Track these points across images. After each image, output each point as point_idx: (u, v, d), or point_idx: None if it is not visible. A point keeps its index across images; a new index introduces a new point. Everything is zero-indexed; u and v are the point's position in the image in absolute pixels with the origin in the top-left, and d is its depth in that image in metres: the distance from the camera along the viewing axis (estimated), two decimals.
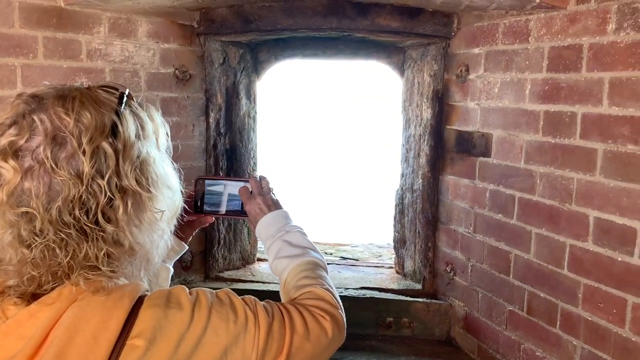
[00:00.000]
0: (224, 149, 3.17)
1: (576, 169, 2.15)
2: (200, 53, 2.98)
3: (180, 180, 1.19)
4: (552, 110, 2.24)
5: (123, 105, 1.01)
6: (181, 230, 1.52)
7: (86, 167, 0.91)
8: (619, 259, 1.99)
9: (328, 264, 3.56)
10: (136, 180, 0.99)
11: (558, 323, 2.27)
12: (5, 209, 0.90)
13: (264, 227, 1.42)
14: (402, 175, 3.27)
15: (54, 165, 0.90)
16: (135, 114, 1.04)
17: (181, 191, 1.20)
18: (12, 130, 0.91)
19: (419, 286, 3.11)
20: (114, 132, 0.96)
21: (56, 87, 1.01)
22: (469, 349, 2.83)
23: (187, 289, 1.02)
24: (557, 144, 2.23)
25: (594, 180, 2.07)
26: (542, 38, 2.27)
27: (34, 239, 0.91)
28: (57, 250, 0.92)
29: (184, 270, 3.07)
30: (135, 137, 1.01)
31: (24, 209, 0.90)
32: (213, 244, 3.19)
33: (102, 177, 0.93)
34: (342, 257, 3.88)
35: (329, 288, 1.25)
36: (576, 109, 2.13)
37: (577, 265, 2.16)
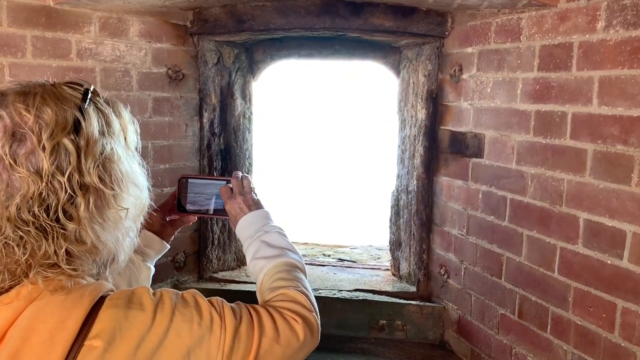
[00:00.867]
0: (218, 149, 3.16)
1: (566, 169, 2.10)
2: (194, 53, 2.98)
3: (149, 178, 1.17)
4: (543, 110, 2.20)
5: (87, 101, 1.00)
6: (163, 229, 1.51)
7: (46, 163, 0.90)
8: (609, 262, 1.94)
9: (324, 265, 3.56)
10: (99, 178, 0.97)
11: (549, 327, 2.22)
12: None
13: (243, 227, 1.40)
14: (398, 176, 3.24)
15: (12, 162, 0.89)
16: (100, 111, 1.03)
17: (149, 189, 1.19)
18: None
19: (413, 289, 3.07)
20: (76, 128, 0.94)
21: (20, 83, 1.00)
22: (462, 353, 2.78)
23: (151, 289, 1.00)
24: (547, 145, 2.18)
25: (584, 181, 2.03)
26: (533, 37, 2.23)
27: None
28: (15, 248, 0.90)
29: (176, 270, 3.06)
30: (99, 133, 1.00)
31: None
32: (207, 244, 3.18)
33: (63, 174, 0.92)
34: (339, 259, 3.85)
35: (304, 290, 1.22)
36: (566, 109, 2.09)
37: (567, 268, 2.12)
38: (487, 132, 2.52)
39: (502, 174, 2.44)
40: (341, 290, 3.10)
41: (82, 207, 0.94)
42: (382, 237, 3.44)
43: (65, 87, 1.01)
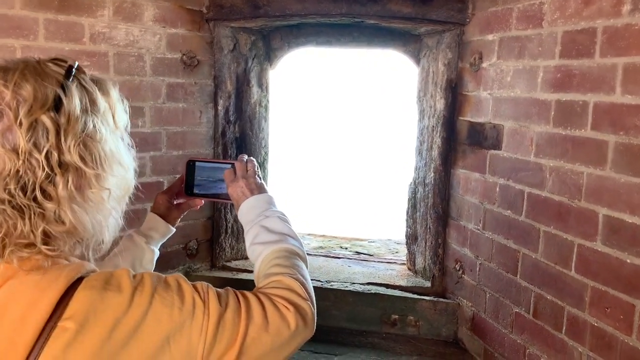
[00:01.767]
0: (233, 137, 3.13)
1: (586, 162, 1.99)
2: (210, 39, 2.95)
3: (135, 159, 1.15)
4: (564, 99, 2.09)
5: (70, 78, 0.98)
6: (169, 212, 1.50)
7: (22, 141, 0.88)
8: (628, 260, 1.83)
9: (339, 258, 3.50)
10: (79, 156, 0.95)
11: (564, 328, 2.12)
12: None
13: (245, 212, 1.37)
14: (416, 168, 3.15)
15: None
16: (84, 88, 1.00)
17: (135, 170, 1.17)
18: None
19: (428, 284, 2.99)
20: (57, 105, 0.92)
21: (5, 60, 0.98)
22: (475, 351, 2.70)
23: (132, 271, 0.97)
24: (567, 136, 2.07)
25: (604, 175, 1.92)
26: (555, 22, 2.12)
27: None
28: None
29: (188, 257, 3.05)
30: (82, 111, 0.97)
31: None
32: (220, 232, 3.16)
33: (40, 152, 0.90)
34: (356, 252, 3.79)
35: (299, 277, 1.17)
36: (588, 98, 1.98)
37: (585, 266, 2.01)
38: (506, 123, 2.42)
39: (520, 166, 2.33)
40: (354, 283, 3.04)
41: (60, 186, 0.92)
42: (401, 230, 3.36)
43: (50, 64, 0.99)
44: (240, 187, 1.39)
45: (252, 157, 1.48)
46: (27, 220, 0.89)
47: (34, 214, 0.90)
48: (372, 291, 2.95)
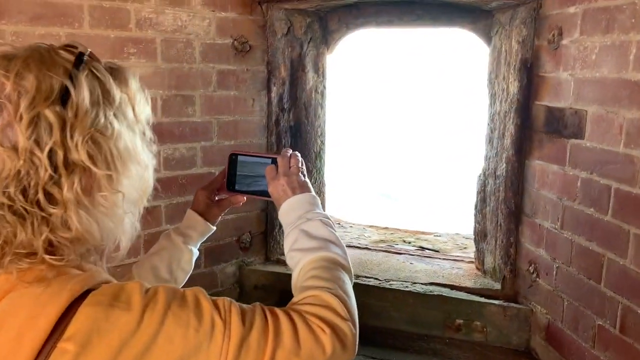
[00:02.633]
0: (287, 125, 2.98)
1: None
2: (262, 22, 2.79)
3: (154, 154, 1.03)
4: None
5: (80, 67, 0.86)
6: (209, 209, 1.40)
7: (22, 137, 0.78)
8: None
9: (400, 253, 3.29)
10: (88, 155, 0.84)
11: None
12: None
13: (285, 213, 1.22)
14: (486, 158, 2.87)
15: None
16: (96, 77, 0.89)
17: (155, 168, 1.04)
18: None
19: (497, 286, 2.72)
20: (63, 97, 0.81)
21: (14, 46, 0.88)
22: None
23: (146, 285, 0.86)
24: None
25: None
26: None
27: None
28: None
29: (242, 251, 2.94)
30: (92, 103, 0.86)
31: None
32: (274, 225, 3.03)
33: (42, 150, 0.79)
34: (420, 247, 3.55)
35: (340, 293, 1.00)
36: None
37: None
38: (589, 108, 2.11)
39: (606, 158, 2.02)
40: (415, 283, 2.82)
41: (65, 189, 0.81)
42: (470, 223, 3.10)
43: (61, 51, 0.89)
44: (281, 185, 1.25)
45: (296, 152, 1.32)
46: (28, 227, 0.80)
47: (37, 219, 0.80)
48: (435, 292, 2.72)
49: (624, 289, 1.96)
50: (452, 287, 2.78)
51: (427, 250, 3.48)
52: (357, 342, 0.95)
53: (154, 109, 2.48)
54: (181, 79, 2.56)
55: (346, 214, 4.42)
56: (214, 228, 1.40)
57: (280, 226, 3.01)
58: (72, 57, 0.87)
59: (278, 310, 0.93)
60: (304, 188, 1.24)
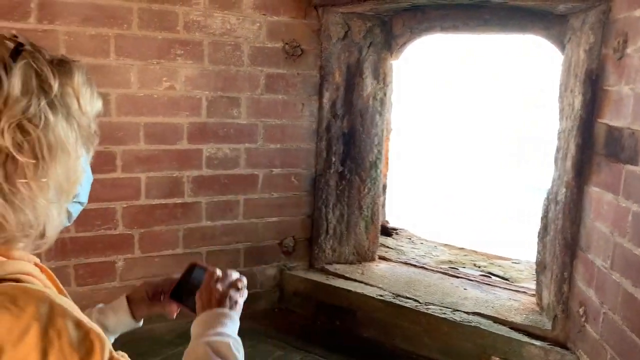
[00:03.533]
0: (340, 132, 2.91)
1: None
2: (317, 27, 2.76)
3: (91, 150, 1.04)
4: None
5: (17, 57, 0.91)
6: (140, 304, 1.32)
7: None
8: None
9: (457, 277, 3.05)
10: (13, 141, 0.87)
11: None
12: None
13: (196, 324, 1.17)
14: (552, 180, 2.55)
15: None
16: (32, 68, 0.92)
17: (87, 161, 1.05)
18: None
19: (548, 326, 2.40)
20: None
21: None
22: None
23: (66, 307, 0.81)
24: None
25: None
26: None
27: None
28: None
29: (284, 254, 2.94)
30: (24, 93, 0.88)
31: None
32: (320, 232, 2.98)
33: None
34: (489, 274, 3.26)
35: None
36: None
37: None
38: None
39: None
40: (457, 311, 2.59)
41: None
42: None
43: (7, 42, 0.92)
44: (202, 297, 1.20)
45: (242, 276, 1.26)
46: None
47: None
48: (473, 323, 2.47)
49: None
50: (497, 320, 2.50)
51: (493, 277, 3.19)
52: None
53: (198, 109, 2.60)
54: (228, 81, 2.62)
55: (422, 229, 4.20)
56: (138, 324, 1.30)
57: (327, 234, 2.97)
58: (12, 47, 0.90)
59: None
60: (222, 304, 1.18)
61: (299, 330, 2.75)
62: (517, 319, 2.51)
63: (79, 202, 1.09)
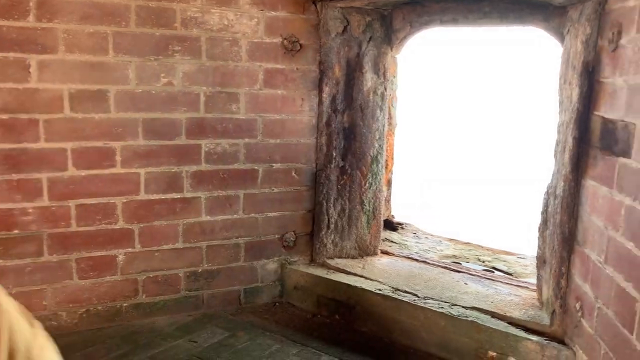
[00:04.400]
0: (340, 127, 2.91)
1: None
2: (315, 21, 2.77)
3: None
4: None
5: None
6: None
7: None
8: None
9: (459, 272, 3.04)
10: None
11: None
12: None
13: None
14: (552, 174, 2.52)
15: None
16: None
17: None
18: None
19: (547, 321, 2.38)
20: None
21: None
22: None
23: None
24: None
25: None
26: None
27: None
28: None
29: (284, 249, 2.95)
30: None
31: None
32: (321, 227, 2.99)
33: None
34: (492, 268, 3.24)
35: None
36: None
37: None
38: (637, 122, 1.74)
39: None
40: (455, 305, 2.58)
41: None
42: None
43: None
44: None
45: None
46: None
47: None
48: (470, 318, 2.46)
49: None
50: (494, 314, 2.49)
51: (496, 272, 3.16)
52: None
53: (196, 104, 2.62)
54: (226, 77, 2.64)
55: (429, 222, 4.18)
56: None
57: (328, 228, 2.98)
58: None
59: None
60: None
61: (298, 324, 2.76)
62: (516, 314, 2.49)
63: None
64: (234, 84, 2.67)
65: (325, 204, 2.97)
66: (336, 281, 2.82)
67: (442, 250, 3.51)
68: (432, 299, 2.64)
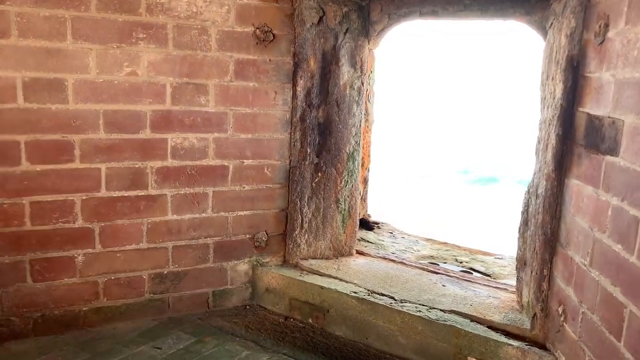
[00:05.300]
0: (315, 122, 2.79)
1: None
2: (290, 11, 2.64)
3: None
4: None
5: None
6: None
7: None
8: None
9: (437, 273, 2.94)
10: None
11: None
12: None
13: None
14: (533, 173, 2.44)
15: None
16: None
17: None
18: None
19: (527, 325, 2.29)
20: None
21: None
22: None
23: None
24: None
25: None
26: None
27: None
28: None
29: (256, 249, 2.82)
30: None
31: None
32: (294, 226, 2.86)
33: None
34: (470, 269, 3.16)
35: None
36: None
37: None
38: (626, 118, 1.66)
39: (637, 183, 1.57)
40: (433, 309, 2.48)
41: None
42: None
43: None
44: None
45: None
46: None
47: None
48: (448, 322, 2.37)
49: None
50: (473, 318, 2.40)
51: (475, 273, 3.08)
52: None
53: (162, 96, 2.47)
54: (194, 67, 2.50)
55: (405, 222, 4.10)
56: None
57: (301, 228, 2.86)
58: None
59: None
60: None
61: (270, 329, 2.63)
62: (496, 317, 2.40)
63: None
64: (202, 75, 2.52)
65: (299, 202, 2.85)
66: (310, 283, 2.70)
67: (419, 251, 3.42)
68: (410, 302, 2.54)
